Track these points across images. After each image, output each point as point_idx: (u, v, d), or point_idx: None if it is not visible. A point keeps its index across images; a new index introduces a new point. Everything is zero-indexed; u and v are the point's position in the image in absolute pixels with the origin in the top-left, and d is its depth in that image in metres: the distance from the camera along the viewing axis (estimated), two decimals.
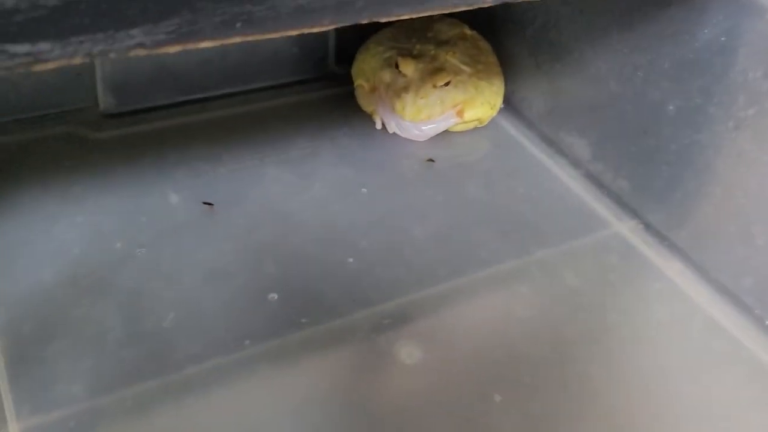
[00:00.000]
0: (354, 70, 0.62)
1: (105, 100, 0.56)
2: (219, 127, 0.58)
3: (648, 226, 0.52)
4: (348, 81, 0.65)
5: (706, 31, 0.45)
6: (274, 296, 0.44)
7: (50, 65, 0.27)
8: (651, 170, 0.51)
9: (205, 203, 0.50)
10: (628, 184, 0.54)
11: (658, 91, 0.49)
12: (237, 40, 0.31)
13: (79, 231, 0.47)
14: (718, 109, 0.46)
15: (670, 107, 0.49)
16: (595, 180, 0.56)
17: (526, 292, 0.47)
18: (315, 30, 0.34)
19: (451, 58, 0.58)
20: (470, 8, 0.36)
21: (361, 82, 0.60)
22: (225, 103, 0.60)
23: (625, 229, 0.52)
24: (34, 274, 0.44)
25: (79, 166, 0.52)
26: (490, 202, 0.54)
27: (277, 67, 0.62)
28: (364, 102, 0.61)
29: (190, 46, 0.30)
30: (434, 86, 0.55)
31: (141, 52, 0.30)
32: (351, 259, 0.47)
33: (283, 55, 0.62)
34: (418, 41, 0.59)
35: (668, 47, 0.48)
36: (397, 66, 0.56)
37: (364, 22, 0.33)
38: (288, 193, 0.52)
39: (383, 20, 0.35)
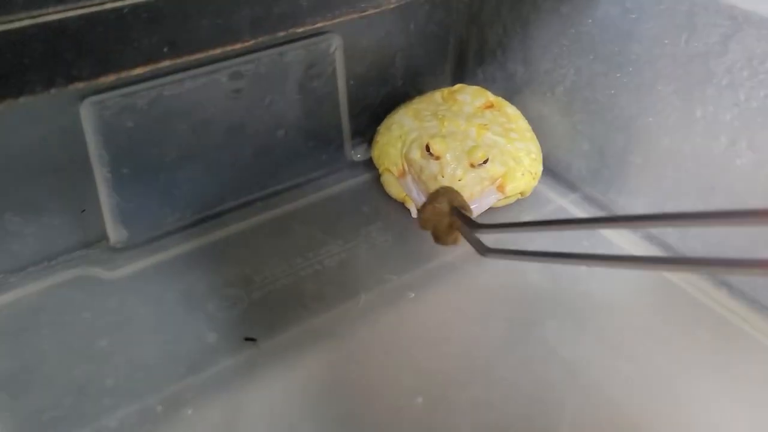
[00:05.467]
0: (376, 155, 0.57)
1: (115, 234, 0.50)
2: (242, 242, 0.52)
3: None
4: (369, 167, 0.60)
5: None
6: None
7: None
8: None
9: (247, 339, 0.45)
10: (700, 245, 0.49)
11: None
12: (166, 63, 0.35)
13: (113, 398, 0.41)
14: None
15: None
16: (657, 241, 0.52)
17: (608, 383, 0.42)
18: (237, 46, 0.36)
19: (485, 132, 0.53)
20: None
21: (388, 168, 0.56)
22: (243, 214, 0.55)
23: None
24: None
25: (98, 316, 0.46)
26: (556, 289, 0.49)
27: (293, 165, 0.57)
28: (394, 189, 0.56)
29: (124, 73, 0.34)
30: (472, 165, 0.51)
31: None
32: (420, 399, 0.41)
33: (297, 151, 0.57)
34: (444, 117, 0.54)
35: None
36: (428, 148, 0.51)
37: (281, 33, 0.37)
38: (334, 311, 0.47)
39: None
